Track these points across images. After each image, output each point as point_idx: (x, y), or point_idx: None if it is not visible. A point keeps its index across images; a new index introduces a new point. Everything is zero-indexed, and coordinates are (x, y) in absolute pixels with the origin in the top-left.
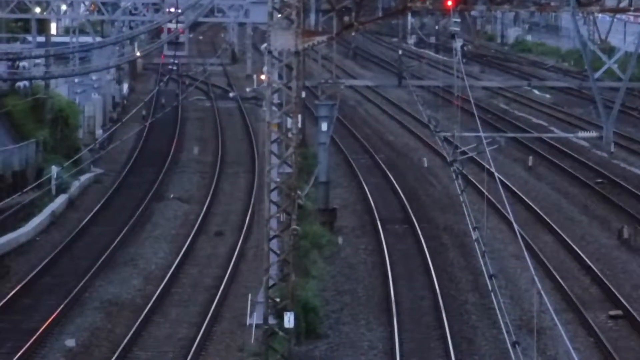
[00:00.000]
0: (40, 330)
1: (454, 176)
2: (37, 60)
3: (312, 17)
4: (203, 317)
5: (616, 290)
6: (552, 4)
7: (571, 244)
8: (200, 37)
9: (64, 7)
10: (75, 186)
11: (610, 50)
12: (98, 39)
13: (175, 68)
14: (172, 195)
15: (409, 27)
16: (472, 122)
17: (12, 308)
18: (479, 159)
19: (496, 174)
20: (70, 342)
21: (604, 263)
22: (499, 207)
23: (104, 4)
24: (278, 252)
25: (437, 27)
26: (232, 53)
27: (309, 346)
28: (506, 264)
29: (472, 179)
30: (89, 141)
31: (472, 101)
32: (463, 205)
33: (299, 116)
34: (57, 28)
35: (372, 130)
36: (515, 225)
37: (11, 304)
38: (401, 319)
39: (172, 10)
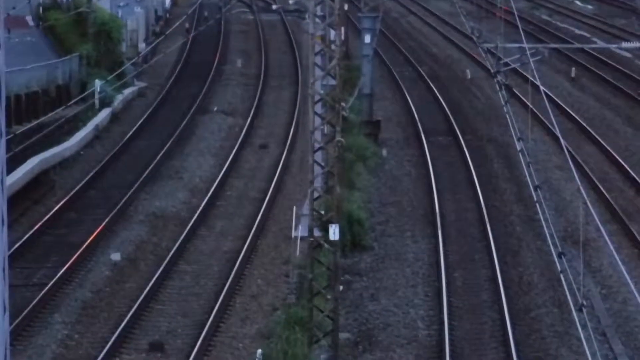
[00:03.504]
0: (86, 243)
1: (498, 87)
2: None
3: None
4: (248, 230)
5: None
6: None
7: (615, 155)
8: None
9: None
10: (118, 100)
11: None
12: None
13: None
14: (215, 108)
15: None
16: (515, 33)
17: (57, 222)
18: (522, 71)
19: (540, 86)
20: (116, 256)
21: None
22: (543, 118)
23: None
24: (323, 164)
25: None
26: None
27: (354, 258)
28: (550, 175)
29: (515, 91)
30: (132, 55)
31: (515, 12)
32: (507, 116)
33: (342, 28)
34: None
35: (415, 42)
36: (560, 137)
37: (57, 217)
38: (446, 230)
39: None
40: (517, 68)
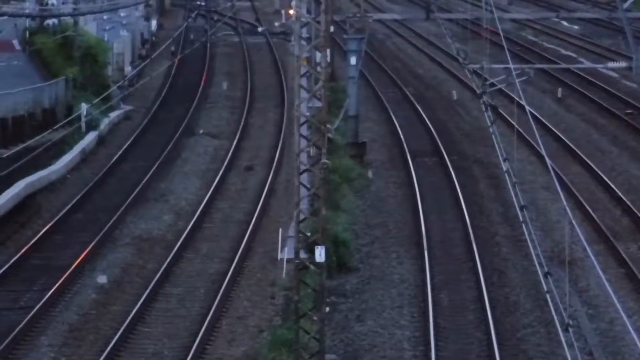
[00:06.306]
0: (73, 266)
1: (484, 108)
2: None
3: None
4: (234, 252)
5: None
6: None
7: (601, 174)
8: None
9: None
10: (105, 123)
11: None
12: None
13: (203, 4)
14: (201, 131)
15: None
16: (501, 54)
17: (44, 245)
18: (508, 91)
19: (526, 106)
20: (102, 279)
21: (634, 194)
22: (529, 138)
23: None
24: (308, 186)
25: None
26: None
27: (340, 280)
28: (536, 196)
29: (501, 111)
30: (118, 78)
31: (501, 33)
32: (493, 137)
33: (328, 50)
34: None
35: (401, 63)
36: (546, 157)
37: (43, 241)
38: (432, 251)
39: None
40: (503, 88)
